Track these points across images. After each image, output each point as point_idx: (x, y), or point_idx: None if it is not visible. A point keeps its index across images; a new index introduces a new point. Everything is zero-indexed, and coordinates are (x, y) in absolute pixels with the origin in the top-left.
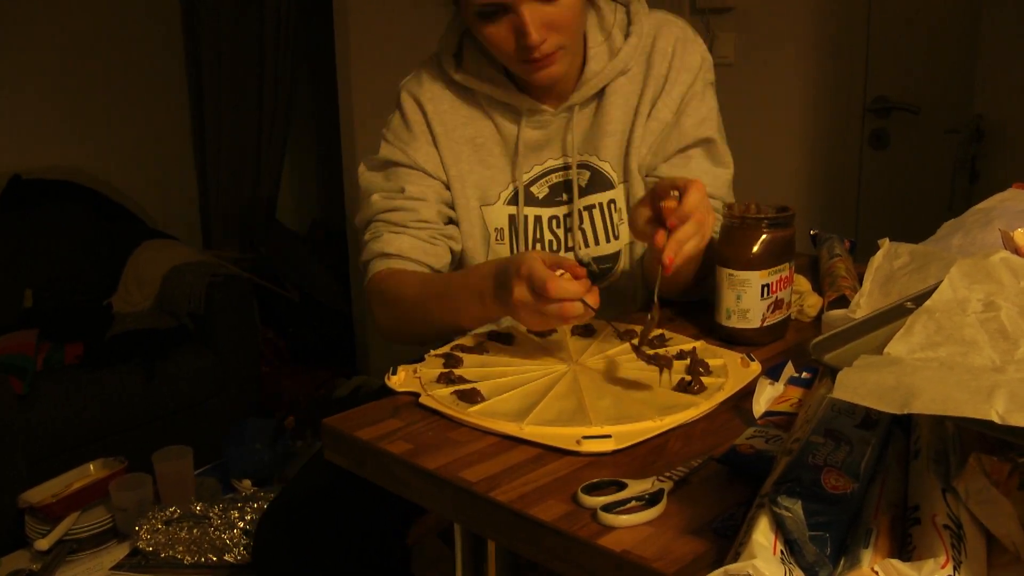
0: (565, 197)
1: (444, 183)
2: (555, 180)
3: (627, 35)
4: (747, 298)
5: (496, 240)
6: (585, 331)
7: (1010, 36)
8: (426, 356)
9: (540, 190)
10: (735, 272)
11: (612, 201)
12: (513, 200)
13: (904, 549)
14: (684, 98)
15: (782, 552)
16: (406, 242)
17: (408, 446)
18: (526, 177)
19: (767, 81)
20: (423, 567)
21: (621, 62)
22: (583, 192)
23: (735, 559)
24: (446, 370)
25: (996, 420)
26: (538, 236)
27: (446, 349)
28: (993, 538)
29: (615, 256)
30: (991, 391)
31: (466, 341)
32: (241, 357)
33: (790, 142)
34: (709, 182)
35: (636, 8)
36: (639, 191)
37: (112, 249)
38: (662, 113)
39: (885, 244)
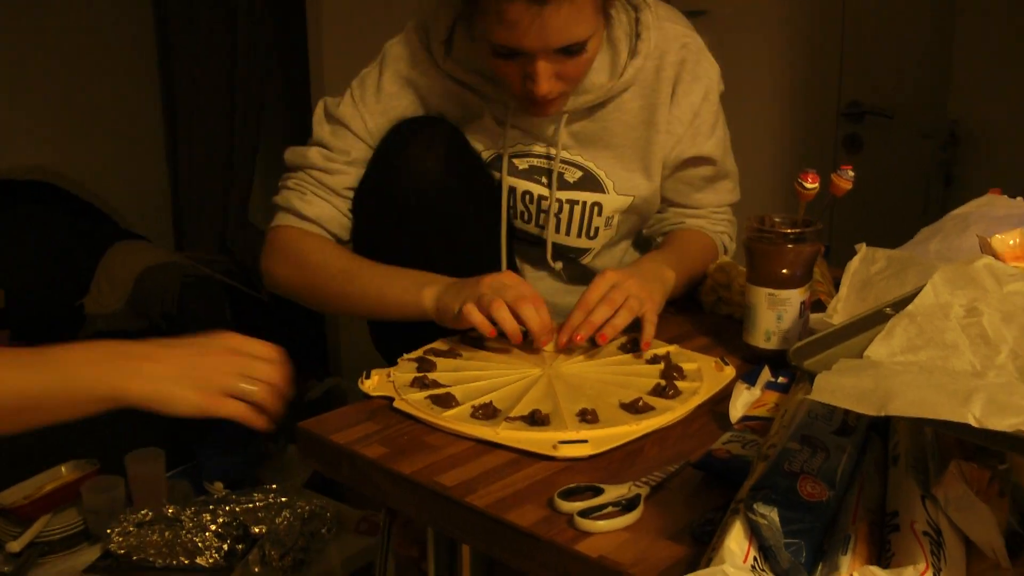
0: (544, 180)
1: None
2: (535, 163)
3: (633, 52)
4: (787, 317)
5: None
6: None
7: (985, 42)
8: (399, 360)
9: (521, 163)
10: (776, 291)
11: (597, 204)
12: (493, 164)
13: (883, 555)
14: (696, 111)
15: (755, 559)
16: (326, 211)
17: (384, 450)
18: (510, 149)
19: (740, 85)
20: (405, 547)
21: (624, 83)
22: (570, 187)
23: (707, 565)
24: (420, 374)
25: (973, 423)
26: (511, 203)
27: (419, 353)
28: (972, 545)
29: (582, 251)
30: (969, 395)
31: (439, 345)
32: None
33: (764, 146)
34: (717, 199)
35: (645, 19)
36: (646, 206)
37: (84, 250)
38: (674, 127)
39: (862, 249)
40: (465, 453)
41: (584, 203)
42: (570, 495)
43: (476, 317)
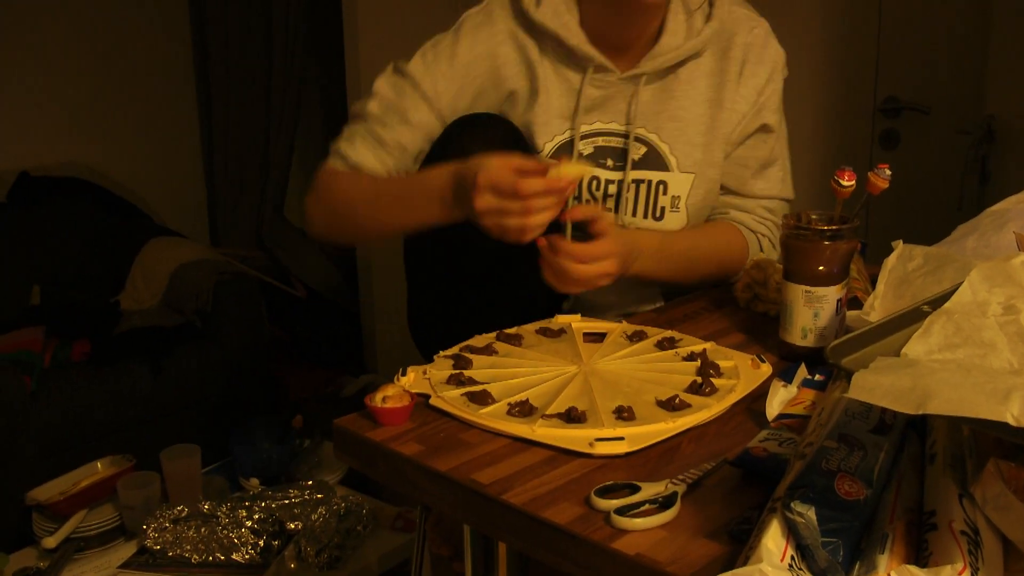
0: (610, 163)
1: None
2: (601, 143)
3: (708, 17)
4: (824, 315)
5: None
6: (595, 334)
7: (1022, 36)
8: (435, 357)
9: (585, 148)
10: (813, 289)
11: (663, 183)
12: (561, 151)
13: (920, 555)
14: (760, 90)
15: (792, 558)
16: (369, 159)
17: (419, 447)
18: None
19: None
20: (436, 545)
21: (698, 44)
22: (634, 165)
23: (745, 563)
24: (456, 371)
25: (1011, 422)
26: (576, 194)
27: (455, 350)
28: (1010, 544)
29: None
30: (1007, 393)
31: (475, 342)
32: (248, 355)
33: (800, 141)
34: (767, 188)
35: None
36: (709, 186)
37: (119, 246)
38: (739, 105)
39: (899, 246)
40: (501, 451)
41: (649, 182)
42: (606, 493)
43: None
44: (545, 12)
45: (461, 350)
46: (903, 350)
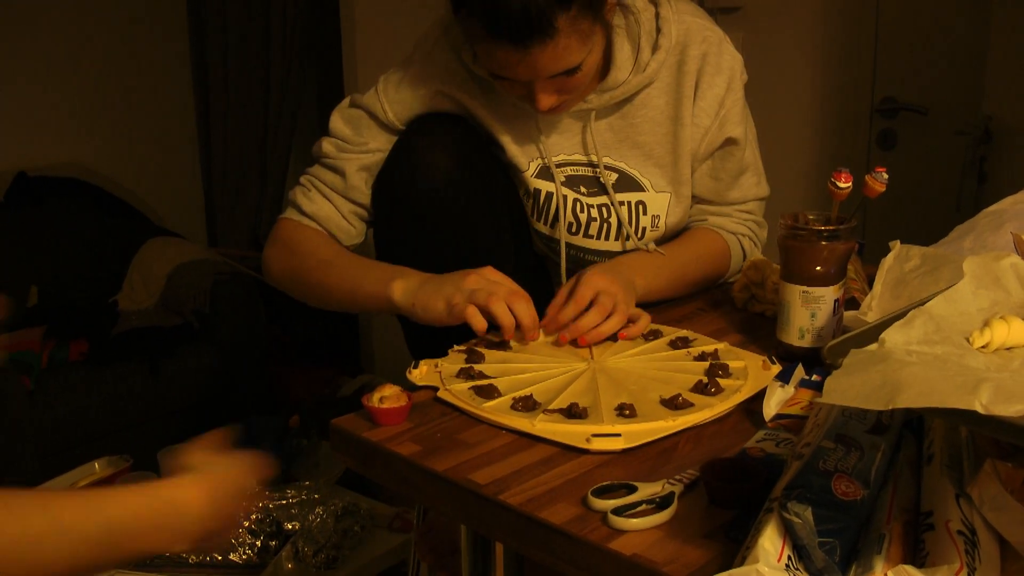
0: (584, 190)
1: None
2: (571, 172)
3: (655, 47)
4: (821, 315)
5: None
6: None
7: (1020, 37)
8: (449, 351)
9: (558, 174)
10: (810, 289)
11: (642, 203)
12: (541, 175)
13: (917, 555)
14: (721, 101)
15: (789, 558)
16: (325, 209)
17: (416, 448)
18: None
19: (774, 81)
20: (422, 553)
21: (647, 77)
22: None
23: (741, 563)
24: (467, 365)
25: (980, 410)
26: (561, 215)
27: (470, 344)
28: (1007, 545)
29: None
30: (977, 384)
31: (492, 336)
32: (246, 355)
33: (798, 142)
34: (743, 194)
35: (665, 13)
36: (685, 203)
37: (117, 246)
38: (700, 120)
39: (896, 246)
40: (499, 451)
41: (628, 203)
42: (603, 493)
43: (478, 319)
44: (482, 66)
45: (475, 344)
46: (882, 335)
